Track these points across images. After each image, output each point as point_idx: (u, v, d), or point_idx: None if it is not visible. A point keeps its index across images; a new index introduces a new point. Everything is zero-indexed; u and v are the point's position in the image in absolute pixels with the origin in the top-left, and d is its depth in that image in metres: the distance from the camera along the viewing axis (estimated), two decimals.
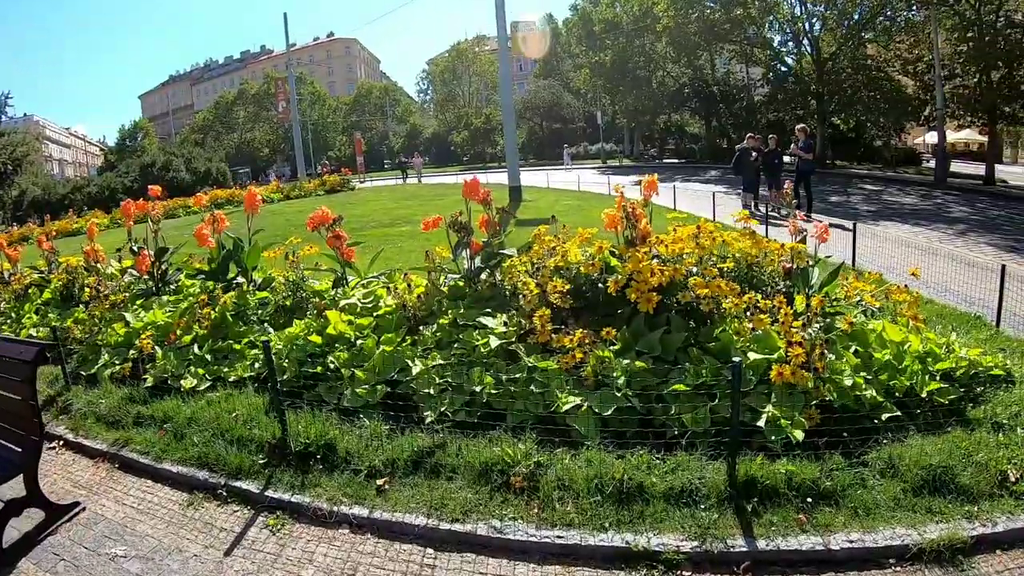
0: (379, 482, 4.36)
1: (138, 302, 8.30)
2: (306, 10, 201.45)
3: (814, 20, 38.72)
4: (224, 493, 4.66)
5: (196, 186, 56.47)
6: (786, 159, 19.55)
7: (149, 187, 10.47)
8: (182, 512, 4.58)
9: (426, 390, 4.99)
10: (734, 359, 3.94)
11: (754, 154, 18.18)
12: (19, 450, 4.51)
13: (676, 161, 53.05)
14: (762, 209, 16.76)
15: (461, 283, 6.45)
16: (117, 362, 6.84)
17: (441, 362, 5.21)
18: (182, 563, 3.98)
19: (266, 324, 6.89)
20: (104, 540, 4.35)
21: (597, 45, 54.52)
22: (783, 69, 43.81)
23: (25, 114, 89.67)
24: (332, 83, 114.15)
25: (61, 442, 6.04)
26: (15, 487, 4.52)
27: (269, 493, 4.48)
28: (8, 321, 9.30)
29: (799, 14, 39.40)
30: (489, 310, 5.85)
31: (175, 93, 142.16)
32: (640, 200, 6.17)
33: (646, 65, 53.33)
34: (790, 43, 41.96)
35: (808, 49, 39.59)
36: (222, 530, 4.29)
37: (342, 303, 6.44)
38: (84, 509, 4.82)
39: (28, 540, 4.47)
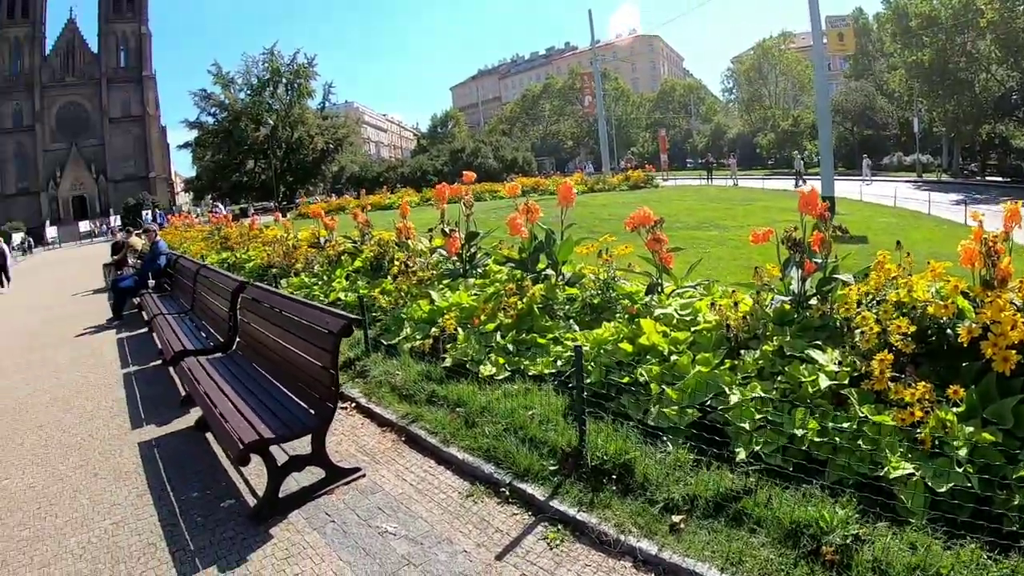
0: (675, 519, 3.93)
1: (444, 282, 8.62)
2: (609, 7, 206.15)
3: None
4: (507, 492, 4.55)
5: (503, 173, 61.61)
6: None
7: (464, 173, 10.94)
8: (460, 502, 4.55)
9: (741, 423, 4.46)
10: None
11: None
12: (312, 412, 4.79)
13: (1000, 179, 46.39)
14: None
15: (788, 306, 5.81)
16: (418, 337, 7.08)
17: (761, 394, 4.65)
18: (450, 556, 3.92)
19: (572, 321, 6.78)
20: (377, 512, 4.47)
21: (913, 43, 48.86)
22: None
23: (346, 101, 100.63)
24: (635, 80, 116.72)
25: (354, 404, 6.45)
26: (303, 444, 4.88)
27: (554, 504, 4.26)
28: (320, 283, 10.16)
29: None
30: (819, 342, 5.17)
31: (483, 86, 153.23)
32: (1000, 233, 5.15)
33: (968, 66, 46.58)
34: None
35: None
36: (497, 531, 4.17)
37: (656, 312, 6.09)
38: (364, 476, 5.03)
39: (304, 495, 4.75)
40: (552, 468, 4.55)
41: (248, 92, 74.86)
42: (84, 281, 22.47)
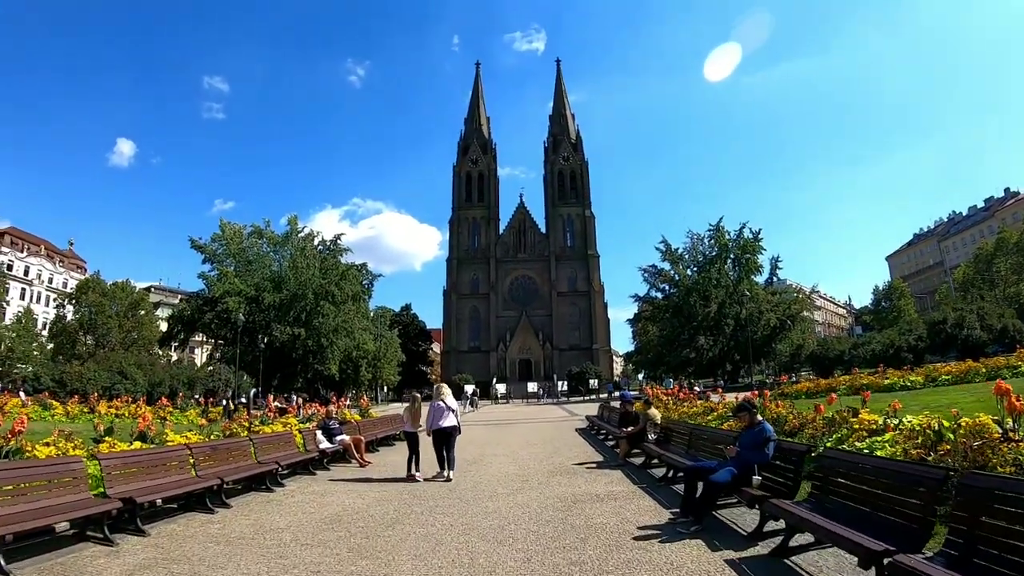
0: None
1: None
2: None
3: None
4: None
5: (986, 345, 56.90)
6: None
7: None
8: None
9: None
10: None
11: None
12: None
13: None
14: None
15: None
16: None
17: None
18: None
19: None
20: None
21: None
22: None
23: (778, 277, 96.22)
24: None
25: None
26: None
27: None
28: None
29: None
30: None
31: (922, 252, 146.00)
32: None
33: None
34: None
35: None
36: None
37: None
38: None
39: None
40: None
41: (695, 268, 75.93)
42: (565, 449, 19.40)
